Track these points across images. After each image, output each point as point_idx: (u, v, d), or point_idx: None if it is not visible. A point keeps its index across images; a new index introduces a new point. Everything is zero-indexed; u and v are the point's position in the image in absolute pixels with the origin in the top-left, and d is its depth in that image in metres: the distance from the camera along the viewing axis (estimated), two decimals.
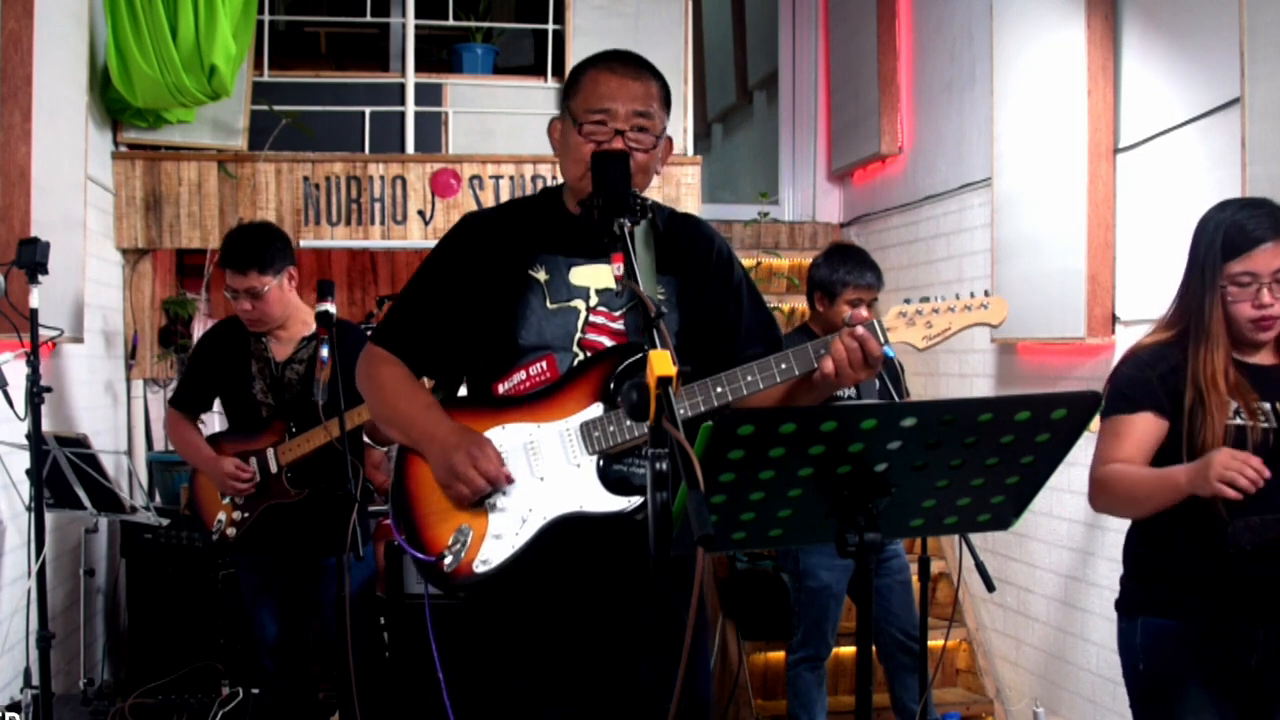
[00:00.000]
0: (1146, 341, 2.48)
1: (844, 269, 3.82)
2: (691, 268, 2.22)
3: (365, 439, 3.71)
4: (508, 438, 2.08)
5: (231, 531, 3.54)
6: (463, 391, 2.30)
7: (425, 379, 2.27)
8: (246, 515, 3.54)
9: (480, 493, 2.03)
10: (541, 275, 2.15)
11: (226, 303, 6.08)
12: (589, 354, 2.12)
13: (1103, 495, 2.44)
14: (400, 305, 2.27)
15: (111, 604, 4.74)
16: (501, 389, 2.14)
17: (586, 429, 2.06)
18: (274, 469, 3.51)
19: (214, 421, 4.34)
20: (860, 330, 1.97)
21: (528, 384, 2.12)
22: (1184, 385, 2.36)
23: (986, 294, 2.05)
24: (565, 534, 2.04)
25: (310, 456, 3.46)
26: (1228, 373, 2.34)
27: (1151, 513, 2.34)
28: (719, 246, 2.28)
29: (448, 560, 2.05)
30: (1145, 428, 2.38)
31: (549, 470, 2.07)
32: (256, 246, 3.49)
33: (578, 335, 2.13)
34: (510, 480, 2.05)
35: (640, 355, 2.05)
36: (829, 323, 3.83)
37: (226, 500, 3.57)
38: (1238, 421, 2.32)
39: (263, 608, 3.64)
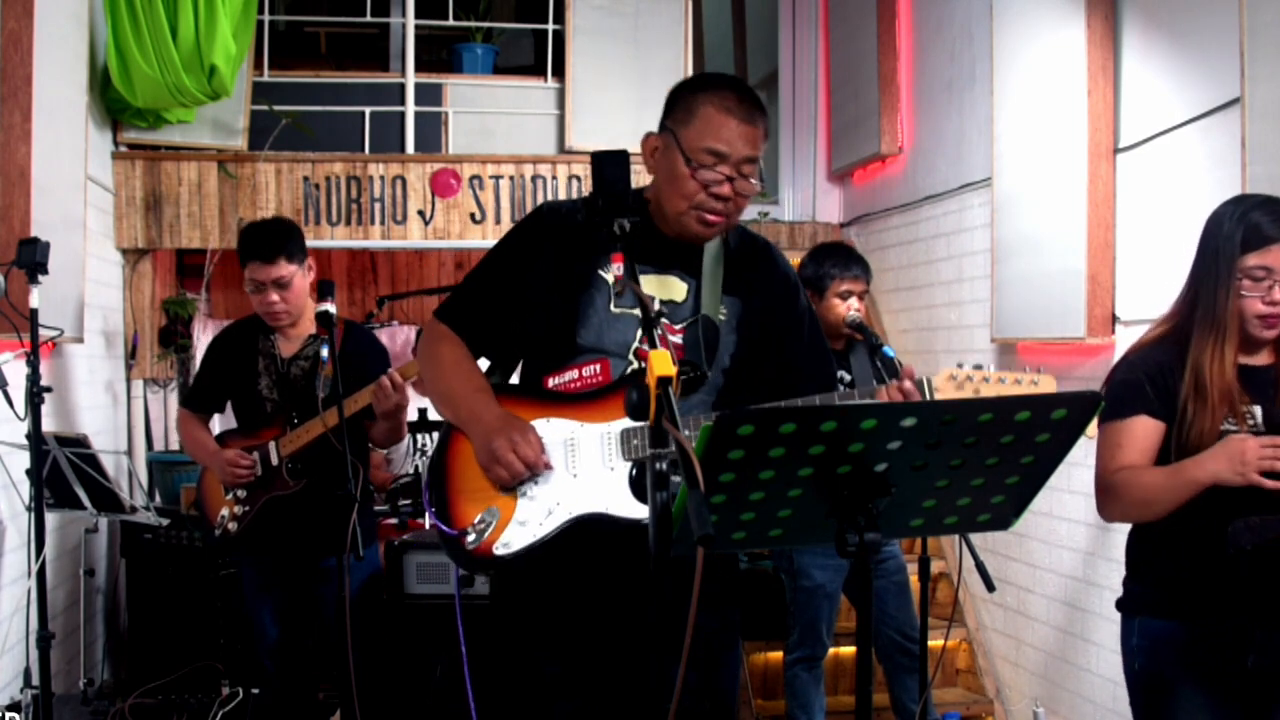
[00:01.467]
0: (1138, 344, 2.48)
1: (829, 263, 3.87)
2: (756, 292, 2.25)
3: (370, 444, 3.72)
4: (551, 431, 2.11)
5: (233, 526, 3.55)
6: (515, 377, 2.32)
7: (482, 359, 2.29)
8: (248, 509, 3.55)
9: (519, 477, 2.06)
10: (609, 277, 2.15)
11: (226, 303, 6.13)
12: (643, 364, 2.12)
13: (1113, 503, 2.41)
14: (468, 284, 2.29)
15: (111, 604, 4.74)
16: (552, 383, 2.17)
17: (627, 435, 2.08)
18: (274, 460, 3.52)
19: (215, 424, 4.33)
20: (908, 385, 2.02)
21: (579, 384, 2.15)
22: (1176, 383, 2.36)
23: (1039, 371, 2.10)
24: (587, 532, 2.07)
25: (311, 449, 3.46)
26: (1230, 370, 2.34)
27: (1166, 514, 2.32)
28: (786, 273, 2.30)
29: (470, 538, 2.08)
30: (1143, 431, 2.37)
31: (584, 469, 2.09)
32: (281, 235, 3.49)
33: (634, 344, 2.16)
34: (549, 468, 2.08)
35: (694, 376, 2.10)
36: (822, 319, 3.85)
37: (229, 496, 3.58)
38: (1227, 426, 2.31)
39: (263, 608, 3.65)
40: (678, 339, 2.16)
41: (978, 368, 2.10)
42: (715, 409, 2.10)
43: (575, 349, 2.15)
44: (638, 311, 2.15)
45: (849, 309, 3.83)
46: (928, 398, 2.04)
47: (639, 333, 2.16)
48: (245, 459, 3.51)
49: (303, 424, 3.47)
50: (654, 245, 2.14)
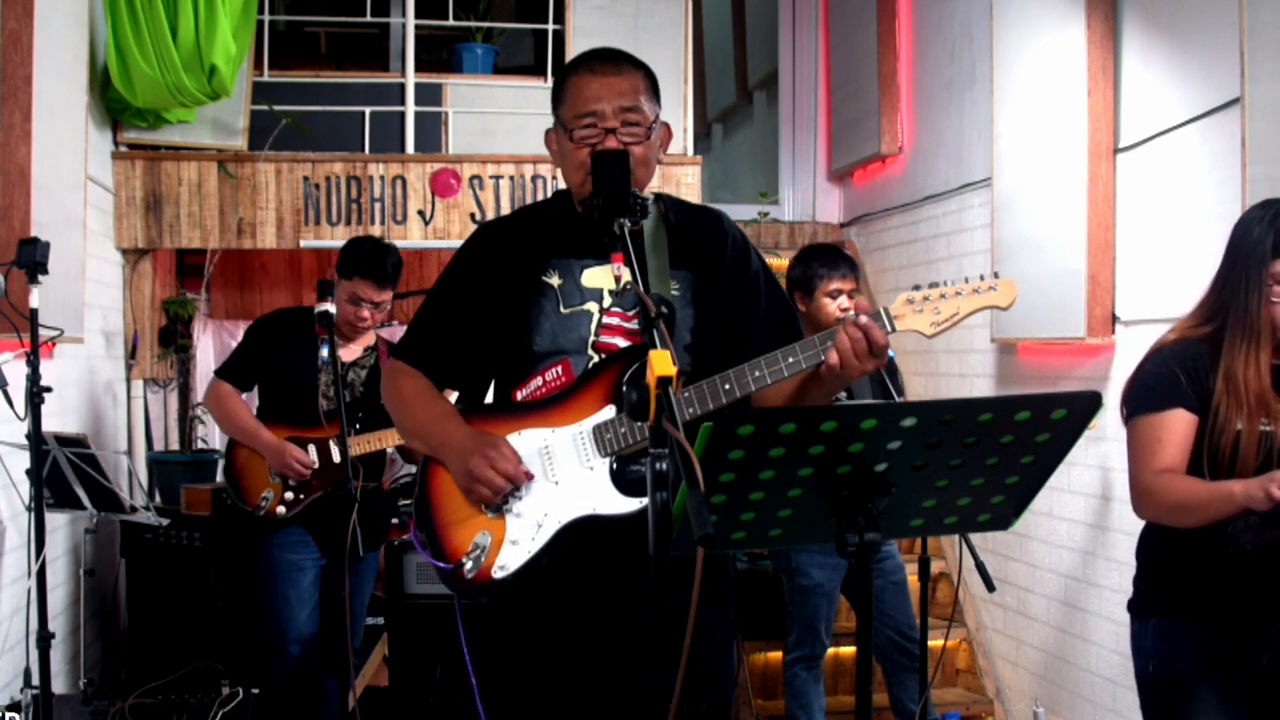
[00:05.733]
0: (1171, 337, 2.45)
1: (817, 263, 3.88)
2: (706, 262, 2.21)
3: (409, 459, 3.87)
4: (524, 444, 2.08)
5: (281, 510, 3.70)
6: (488, 399, 2.30)
7: (449, 391, 2.28)
8: (301, 497, 3.69)
9: (501, 492, 2.04)
10: (554, 280, 2.15)
11: (226, 303, 6.13)
12: (603, 356, 2.12)
13: (1149, 504, 2.40)
14: (420, 319, 2.28)
15: (111, 604, 4.73)
16: (520, 395, 2.15)
17: (599, 431, 2.06)
18: (336, 459, 3.66)
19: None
20: (864, 319, 1.95)
21: (544, 389, 2.13)
22: (1210, 381, 2.34)
23: (996, 275, 2.03)
24: (580, 537, 2.05)
25: (372, 453, 3.68)
26: (1265, 374, 2.32)
27: (1200, 524, 2.30)
28: (734, 237, 2.26)
29: (468, 567, 2.07)
30: (1181, 427, 2.35)
31: (563, 474, 2.07)
32: (393, 265, 3.74)
33: (591, 338, 2.13)
34: (530, 477, 2.06)
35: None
36: (814, 320, 3.85)
37: (276, 480, 3.71)
38: (1262, 427, 2.31)
39: (293, 593, 3.73)
40: (632, 325, 2.11)
41: (932, 285, 2.03)
42: (683, 387, 2.05)
43: (533, 356, 2.13)
44: (588, 306, 2.14)
45: (839, 308, 3.83)
46: (887, 329, 1.98)
47: (593, 325, 2.13)
48: (309, 459, 3.67)
49: (368, 431, 3.66)
50: (589, 237, 2.09)
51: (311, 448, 3.68)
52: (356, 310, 3.69)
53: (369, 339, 3.89)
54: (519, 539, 2.05)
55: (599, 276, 2.15)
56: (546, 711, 2.11)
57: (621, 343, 2.12)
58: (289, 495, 3.69)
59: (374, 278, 3.68)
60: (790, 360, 2.00)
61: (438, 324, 2.24)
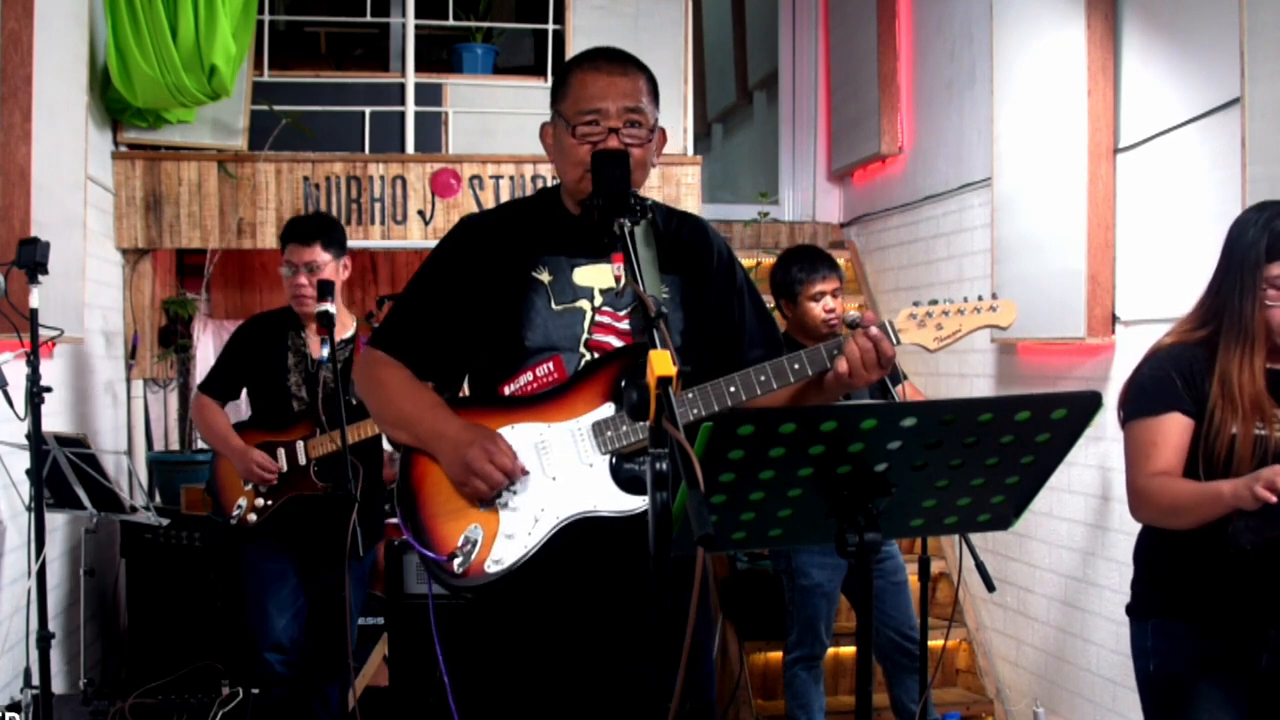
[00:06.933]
0: (1168, 340, 2.46)
1: (796, 267, 3.85)
2: (695, 267, 2.23)
3: (386, 444, 3.79)
4: (518, 437, 2.07)
5: (252, 517, 3.68)
6: (464, 394, 2.30)
7: (426, 382, 2.27)
8: (269, 503, 3.66)
9: (498, 487, 2.02)
10: (545, 276, 2.15)
11: (226, 303, 6.13)
12: (596, 354, 2.11)
13: (1145, 507, 2.41)
14: (400, 308, 2.26)
15: (111, 604, 4.73)
16: (508, 390, 2.14)
17: (599, 428, 2.06)
18: (302, 461, 3.62)
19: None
20: (874, 331, 2.00)
21: (535, 385, 2.12)
22: (1206, 384, 2.34)
23: (995, 296, 2.10)
24: (579, 534, 2.04)
25: (339, 453, 3.51)
26: (1260, 378, 2.32)
27: (1194, 526, 2.30)
28: (720, 247, 2.28)
29: (458, 561, 2.04)
30: (1177, 430, 2.35)
31: (561, 470, 2.06)
32: (321, 225, 3.70)
33: (584, 336, 2.13)
34: (525, 473, 2.05)
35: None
36: (802, 324, 3.83)
37: (249, 487, 3.69)
38: (1257, 431, 2.31)
39: (270, 600, 3.70)
40: (624, 325, 2.12)
41: (934, 302, 2.10)
42: (684, 389, 2.06)
43: (524, 352, 2.12)
44: (580, 304, 2.14)
45: (824, 309, 3.81)
46: (893, 340, 2.04)
47: (586, 323, 2.13)
48: (272, 464, 3.63)
49: (333, 428, 3.57)
50: (580, 235, 2.10)
51: (281, 451, 3.66)
52: (294, 280, 3.63)
53: (346, 329, 3.78)
54: (514, 533, 2.04)
55: (590, 275, 2.15)
56: (545, 710, 2.10)
57: (615, 342, 2.13)
58: (259, 502, 3.68)
59: (296, 238, 3.64)
60: (796, 366, 2.03)
61: (420, 314, 2.22)
